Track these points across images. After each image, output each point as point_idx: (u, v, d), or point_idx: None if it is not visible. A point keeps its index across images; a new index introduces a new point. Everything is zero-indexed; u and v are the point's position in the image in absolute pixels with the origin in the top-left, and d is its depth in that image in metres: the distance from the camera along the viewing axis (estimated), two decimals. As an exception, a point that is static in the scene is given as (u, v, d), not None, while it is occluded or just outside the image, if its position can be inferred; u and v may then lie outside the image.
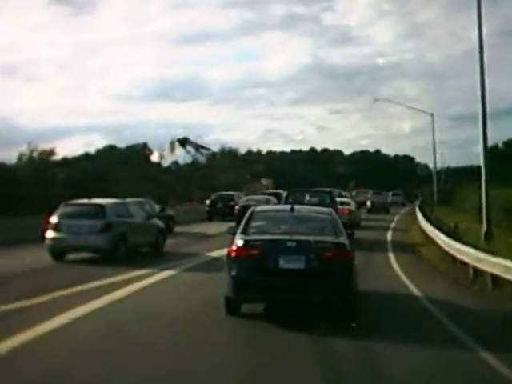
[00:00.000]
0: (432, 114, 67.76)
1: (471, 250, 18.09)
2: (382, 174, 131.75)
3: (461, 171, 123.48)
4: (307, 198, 29.37)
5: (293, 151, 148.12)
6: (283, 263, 11.29)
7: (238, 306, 11.90)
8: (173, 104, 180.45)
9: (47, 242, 21.14)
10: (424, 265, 22.38)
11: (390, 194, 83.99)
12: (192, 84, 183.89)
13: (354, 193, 74.62)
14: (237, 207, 39.50)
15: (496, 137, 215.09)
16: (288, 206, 13.94)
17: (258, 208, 14.16)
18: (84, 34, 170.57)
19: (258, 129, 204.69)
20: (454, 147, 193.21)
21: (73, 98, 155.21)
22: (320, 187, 42.24)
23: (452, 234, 24.00)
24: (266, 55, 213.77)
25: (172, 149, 70.76)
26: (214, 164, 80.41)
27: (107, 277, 16.25)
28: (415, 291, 15.72)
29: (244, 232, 12.14)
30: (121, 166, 60.95)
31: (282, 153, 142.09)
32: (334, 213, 13.72)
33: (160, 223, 25.13)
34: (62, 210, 21.76)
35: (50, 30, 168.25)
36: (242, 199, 44.67)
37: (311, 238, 11.77)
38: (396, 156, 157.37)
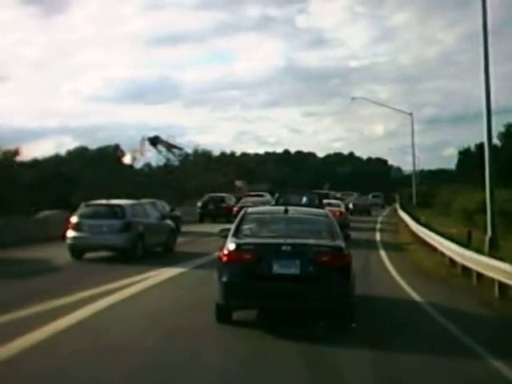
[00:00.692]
0: (411, 114, 66.33)
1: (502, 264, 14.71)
2: (356, 177, 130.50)
3: (433, 174, 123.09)
4: (297, 199, 30.59)
5: (267, 153, 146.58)
6: (277, 268, 10.63)
7: (229, 313, 11.22)
8: (146, 106, 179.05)
9: (68, 241, 21.52)
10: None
11: (370, 196, 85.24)
12: (165, 86, 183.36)
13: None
14: (235, 208, 39.09)
15: (470, 140, 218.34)
16: (282, 208, 12.97)
17: (251, 209, 13.38)
18: (55, 35, 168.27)
19: (232, 131, 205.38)
20: (425, 150, 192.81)
21: (44, 99, 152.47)
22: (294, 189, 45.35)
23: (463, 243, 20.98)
24: (239, 57, 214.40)
25: (142, 148, 67.43)
26: (187, 166, 77.95)
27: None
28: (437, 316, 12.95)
29: (236, 235, 11.41)
30: (92, 168, 59.56)
31: (256, 155, 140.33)
32: (329, 214, 13.03)
33: (171, 223, 25.57)
34: (82, 210, 22.40)
35: (21, 30, 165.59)
36: (242, 200, 45.02)
37: (307, 242, 11.17)
38: (369, 158, 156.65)
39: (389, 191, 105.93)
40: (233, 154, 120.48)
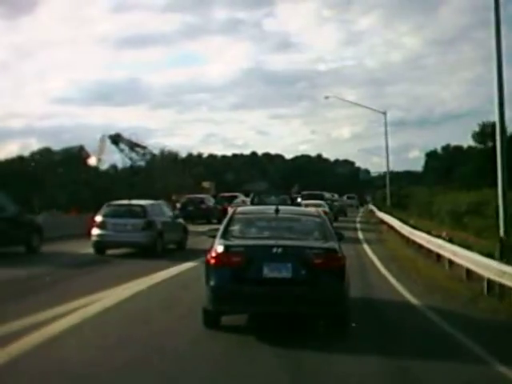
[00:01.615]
0: (385, 113, 63.83)
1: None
2: (324, 178, 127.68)
3: (400, 176, 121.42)
4: (271, 199, 31.98)
5: (234, 155, 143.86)
6: (268, 271, 9.98)
7: (218, 318, 10.53)
8: (113, 108, 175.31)
9: (93, 238, 22.67)
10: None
11: (345, 197, 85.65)
12: (133, 88, 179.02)
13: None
14: (229, 209, 37.11)
15: (434, 142, 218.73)
16: (273, 207, 11.91)
17: (240, 209, 13.07)
18: (21, 36, 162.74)
19: (199, 133, 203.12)
20: (391, 152, 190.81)
21: (9, 101, 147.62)
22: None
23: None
24: (207, 60, 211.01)
25: (102, 146, 63.55)
26: (154, 167, 73.81)
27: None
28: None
29: (224, 236, 10.73)
30: (56, 170, 57.03)
31: (223, 157, 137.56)
32: (322, 215, 12.31)
33: (184, 222, 26.63)
34: (105, 209, 23.47)
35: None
36: (235, 200, 44.51)
37: (299, 244, 10.55)
38: (337, 160, 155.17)
39: (358, 192, 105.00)
40: (200, 156, 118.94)
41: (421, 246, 24.29)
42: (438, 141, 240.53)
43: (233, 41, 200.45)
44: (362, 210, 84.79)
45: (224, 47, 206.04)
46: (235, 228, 11.17)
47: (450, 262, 18.88)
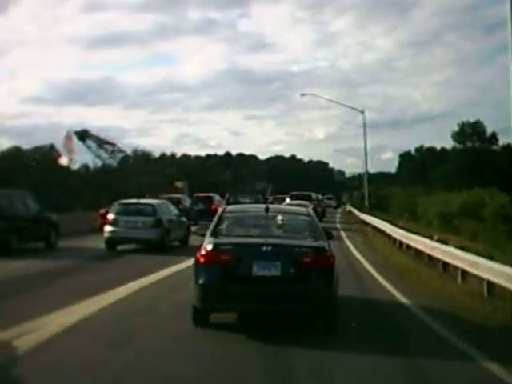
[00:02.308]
0: (363, 112, 61.41)
1: None
2: (298, 179, 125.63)
3: (373, 177, 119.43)
4: (245, 198, 34.26)
5: (208, 155, 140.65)
6: (257, 270, 9.73)
7: (207, 316, 10.29)
8: (86, 107, 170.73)
9: (106, 235, 23.73)
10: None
11: (324, 198, 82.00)
12: (106, 87, 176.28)
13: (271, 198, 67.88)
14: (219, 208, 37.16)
15: (408, 144, 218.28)
16: (263, 206, 11.99)
17: (230, 208, 12.92)
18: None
19: (173, 133, 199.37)
20: (359, 155, 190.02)
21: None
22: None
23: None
24: (181, 60, 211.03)
25: (68, 143, 60.03)
26: (126, 167, 70.75)
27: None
28: None
29: (213, 234, 10.54)
30: (25, 169, 54.29)
31: (197, 157, 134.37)
32: (312, 213, 12.21)
33: (186, 221, 27.71)
34: (117, 208, 24.62)
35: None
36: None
37: (288, 242, 10.37)
38: (310, 161, 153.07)
39: (333, 193, 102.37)
40: (173, 156, 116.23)
41: (419, 253, 21.57)
42: (410, 142, 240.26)
43: (207, 41, 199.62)
44: (339, 210, 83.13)
45: (198, 47, 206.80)
46: (225, 226, 11.03)
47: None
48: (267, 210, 11.39)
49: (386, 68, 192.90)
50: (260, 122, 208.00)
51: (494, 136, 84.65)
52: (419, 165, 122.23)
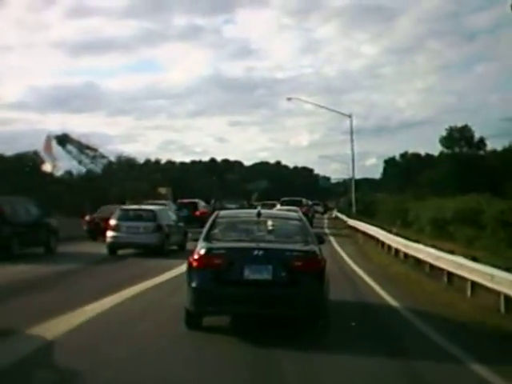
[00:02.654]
0: (350, 116, 59.88)
1: None
2: (284, 185, 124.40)
3: (358, 182, 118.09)
4: (230, 204, 33.85)
5: (193, 162, 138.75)
6: (249, 273, 9.78)
7: (199, 319, 10.35)
8: (70, 114, 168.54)
9: (108, 240, 24.10)
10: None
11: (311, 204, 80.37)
12: (90, 94, 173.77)
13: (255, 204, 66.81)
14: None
15: (393, 150, 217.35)
16: (255, 211, 11.92)
17: (223, 213, 12.43)
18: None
19: (158, 140, 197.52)
20: (349, 160, 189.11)
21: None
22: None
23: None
24: (166, 66, 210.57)
25: (47, 147, 57.96)
26: (110, 173, 68.46)
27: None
28: None
29: (206, 239, 10.69)
30: (7, 175, 52.70)
31: (182, 163, 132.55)
32: (303, 218, 12.05)
33: (184, 226, 27.97)
34: (118, 214, 24.99)
35: None
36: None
37: (279, 246, 10.42)
38: (296, 167, 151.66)
39: (319, 199, 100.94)
40: (158, 162, 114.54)
41: (418, 262, 20.09)
42: (394, 149, 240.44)
43: (192, 47, 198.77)
44: (326, 216, 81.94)
45: (183, 54, 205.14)
46: (217, 231, 11.10)
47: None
48: (259, 215, 11.40)
49: (370, 75, 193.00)
50: (245, 128, 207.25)
51: (481, 141, 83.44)
52: (404, 171, 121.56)
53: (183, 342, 9.64)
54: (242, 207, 34.11)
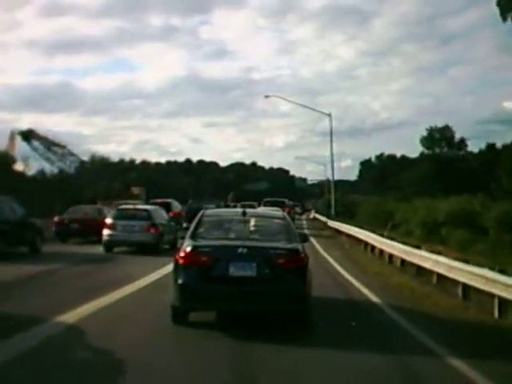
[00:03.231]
0: (330, 114, 57.15)
1: None
2: (260, 186, 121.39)
3: (335, 184, 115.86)
4: (207, 204, 33.90)
5: (168, 162, 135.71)
6: (234, 270, 9.82)
7: (185, 315, 10.40)
8: (44, 114, 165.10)
9: (104, 238, 24.34)
10: None
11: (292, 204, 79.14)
12: (65, 93, 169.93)
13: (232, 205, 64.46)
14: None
15: (368, 152, 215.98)
16: (240, 210, 12.16)
17: (209, 212, 12.48)
18: None
19: (133, 140, 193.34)
20: (325, 161, 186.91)
21: None
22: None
23: None
24: (142, 66, 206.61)
25: (11, 143, 54.75)
26: (83, 173, 67.01)
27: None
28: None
29: (193, 237, 10.70)
30: None
31: (157, 163, 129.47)
32: (287, 217, 12.12)
33: (175, 225, 28.28)
34: (115, 213, 25.55)
35: None
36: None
37: (263, 244, 10.43)
38: (271, 168, 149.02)
39: (296, 200, 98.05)
40: (132, 162, 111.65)
41: (420, 270, 17.39)
42: (369, 150, 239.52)
43: (168, 48, 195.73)
44: (303, 217, 79.85)
45: (159, 54, 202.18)
46: (203, 229, 11.11)
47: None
48: (244, 214, 11.48)
49: (346, 77, 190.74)
50: (220, 129, 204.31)
51: (462, 141, 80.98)
52: (380, 172, 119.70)
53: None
54: (218, 207, 33.77)
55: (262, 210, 30.92)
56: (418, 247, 18.71)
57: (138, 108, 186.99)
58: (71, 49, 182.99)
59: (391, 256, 21.37)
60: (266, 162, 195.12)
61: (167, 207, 37.44)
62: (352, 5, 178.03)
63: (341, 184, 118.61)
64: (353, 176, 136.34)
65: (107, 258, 21.98)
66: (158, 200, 41.98)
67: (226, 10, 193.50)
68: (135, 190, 63.62)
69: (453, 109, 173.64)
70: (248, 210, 12.06)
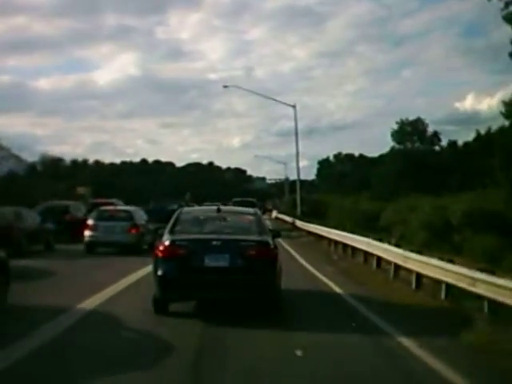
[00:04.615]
0: (294, 106, 50.63)
1: None
2: (217, 186, 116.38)
3: (293, 184, 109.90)
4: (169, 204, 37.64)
5: (123, 162, 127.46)
6: (208, 261, 10.38)
7: (166, 304, 10.78)
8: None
9: (86, 239, 23.61)
10: None
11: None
12: (18, 94, 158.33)
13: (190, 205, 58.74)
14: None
15: (323, 152, 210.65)
16: (215, 207, 12.73)
17: (186, 209, 13.80)
18: None
19: (88, 141, 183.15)
20: (281, 162, 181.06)
21: None
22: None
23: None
24: (97, 66, 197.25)
25: None
26: (33, 174, 64.81)
27: None
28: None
29: (171, 232, 11.16)
30: None
31: (112, 164, 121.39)
32: (259, 213, 12.78)
33: (153, 226, 26.56)
34: (96, 214, 24.74)
35: None
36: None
37: (235, 237, 10.91)
38: (228, 168, 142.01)
39: (263, 199, 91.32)
40: (85, 162, 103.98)
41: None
42: (325, 150, 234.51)
43: (123, 48, 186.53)
44: (266, 217, 71.57)
45: (114, 54, 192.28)
46: (181, 225, 11.37)
47: None
48: (219, 210, 12.01)
49: (301, 77, 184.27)
50: (177, 130, 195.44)
51: (435, 135, 73.89)
52: (339, 171, 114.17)
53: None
54: (180, 207, 29.52)
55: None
56: (450, 261, 11.62)
57: (94, 109, 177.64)
58: (25, 49, 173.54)
59: (420, 275, 14.12)
60: (222, 162, 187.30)
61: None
62: (307, 6, 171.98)
63: (300, 183, 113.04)
64: (310, 175, 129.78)
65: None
66: (101, 200, 34.82)
67: (181, 10, 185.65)
68: (80, 190, 57.89)
69: (406, 110, 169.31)
70: (222, 207, 12.69)
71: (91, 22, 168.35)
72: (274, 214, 70.29)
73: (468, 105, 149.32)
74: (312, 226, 33.33)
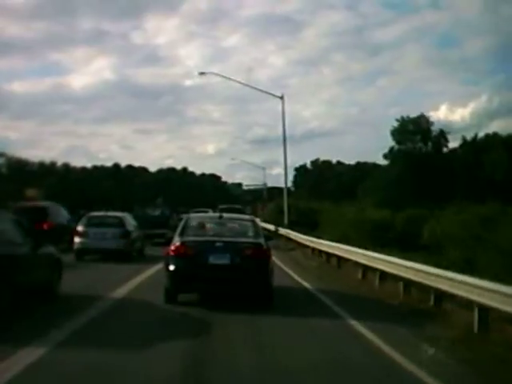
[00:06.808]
0: (282, 97, 42.53)
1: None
2: (191, 192, 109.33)
3: (270, 191, 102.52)
4: (153, 211, 36.13)
5: (95, 167, 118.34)
6: (213, 260, 11.57)
7: (176, 295, 11.97)
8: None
9: (76, 246, 22.29)
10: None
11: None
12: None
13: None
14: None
15: (298, 160, 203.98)
16: (217, 214, 14.53)
17: (193, 215, 14.90)
18: None
19: (62, 146, 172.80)
20: (255, 169, 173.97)
21: None
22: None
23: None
24: (71, 70, 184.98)
25: None
26: None
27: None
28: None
29: (181, 235, 12.37)
30: None
31: (83, 168, 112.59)
32: (255, 219, 14.21)
33: (142, 232, 25.82)
34: (86, 220, 23.17)
35: None
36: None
37: (235, 240, 12.16)
38: (203, 174, 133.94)
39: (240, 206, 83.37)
40: (53, 165, 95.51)
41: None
42: (300, 158, 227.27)
43: (98, 52, 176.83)
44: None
45: (89, 58, 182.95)
46: (189, 229, 12.66)
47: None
48: (221, 217, 13.50)
49: (277, 85, 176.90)
50: (151, 135, 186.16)
51: (442, 134, 63.08)
52: (316, 178, 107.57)
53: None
54: (163, 214, 35.23)
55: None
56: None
57: (68, 113, 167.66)
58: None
59: None
60: (197, 168, 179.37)
61: (40, 214, 22.55)
62: (284, 14, 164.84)
63: (276, 191, 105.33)
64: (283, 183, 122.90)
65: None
66: (27, 204, 25.67)
67: (158, 15, 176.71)
68: (30, 192, 50.38)
69: (379, 119, 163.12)
70: (224, 214, 14.11)
71: (67, 25, 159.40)
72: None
73: (441, 115, 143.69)
74: (316, 240, 24.41)
